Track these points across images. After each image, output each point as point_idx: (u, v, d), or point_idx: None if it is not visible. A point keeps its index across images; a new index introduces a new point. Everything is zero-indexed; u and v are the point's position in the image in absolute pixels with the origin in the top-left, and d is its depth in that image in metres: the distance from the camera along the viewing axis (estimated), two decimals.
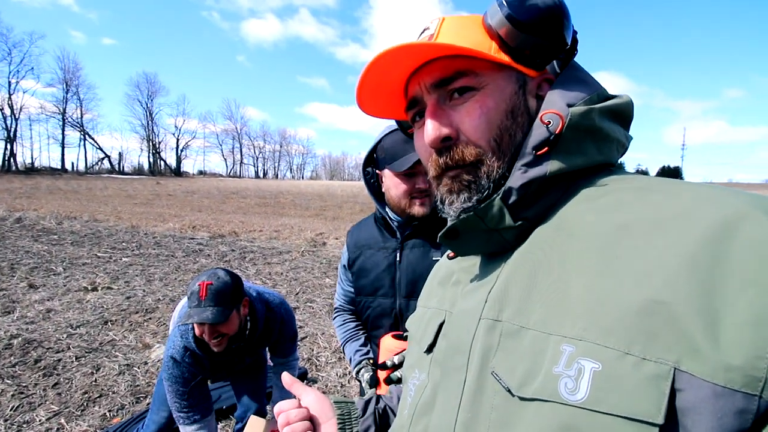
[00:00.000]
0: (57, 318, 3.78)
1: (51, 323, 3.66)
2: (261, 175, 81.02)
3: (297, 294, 5.04)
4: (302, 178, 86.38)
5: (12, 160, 44.62)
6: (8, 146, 44.62)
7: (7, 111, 45.80)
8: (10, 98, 45.95)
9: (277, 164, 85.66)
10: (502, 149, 0.46)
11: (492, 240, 0.47)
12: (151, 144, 62.37)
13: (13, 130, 46.03)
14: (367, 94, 0.52)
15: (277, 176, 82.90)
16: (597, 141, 0.45)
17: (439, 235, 0.49)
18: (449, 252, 0.56)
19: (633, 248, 0.35)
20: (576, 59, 0.51)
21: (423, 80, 0.49)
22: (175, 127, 66.46)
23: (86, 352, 3.16)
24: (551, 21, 0.45)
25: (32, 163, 50.25)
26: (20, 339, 3.27)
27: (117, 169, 59.69)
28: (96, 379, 2.78)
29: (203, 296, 1.34)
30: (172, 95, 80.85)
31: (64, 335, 3.41)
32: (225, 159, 75.74)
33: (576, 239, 0.40)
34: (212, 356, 1.52)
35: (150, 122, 62.11)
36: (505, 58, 0.46)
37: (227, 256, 6.80)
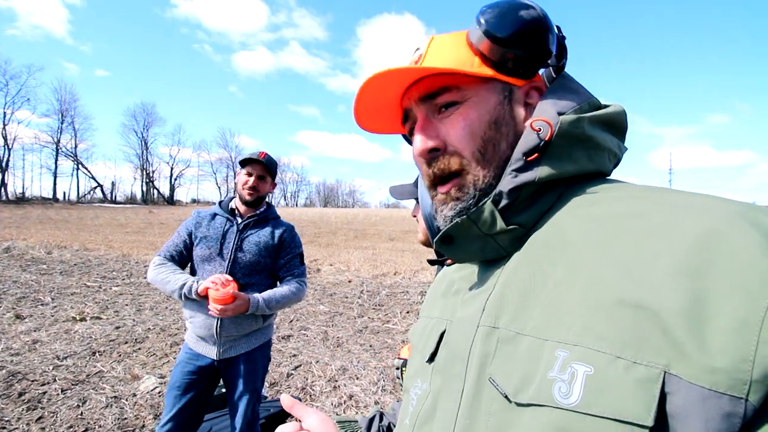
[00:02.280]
0: (43, 349, 3.68)
1: (37, 354, 3.55)
2: None
3: (291, 322, 4.96)
4: (296, 205, 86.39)
5: (3, 189, 44.25)
6: (0, 176, 44.37)
7: (0, 141, 45.86)
8: (4, 129, 46.13)
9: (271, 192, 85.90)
10: (487, 158, 0.48)
11: (488, 246, 0.48)
12: (144, 173, 62.42)
13: (5, 160, 45.97)
14: (365, 114, 0.55)
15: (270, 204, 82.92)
16: (587, 149, 0.46)
17: (435, 240, 0.50)
18: (448, 259, 0.58)
19: (625, 255, 0.36)
20: (568, 68, 0.52)
21: (413, 97, 0.52)
22: (170, 156, 66.76)
23: (72, 384, 3.06)
24: (530, 33, 0.47)
25: (23, 193, 49.80)
26: (4, 371, 3.16)
27: (109, 198, 59.33)
28: (82, 413, 2.68)
29: (262, 156, 1.92)
30: (168, 125, 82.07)
31: (50, 367, 3.31)
32: (219, 187, 75.82)
33: (570, 246, 0.41)
34: (229, 221, 1.90)
35: (144, 151, 62.43)
36: (488, 71, 0.48)
37: None
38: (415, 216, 1.39)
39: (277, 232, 1.93)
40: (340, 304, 5.86)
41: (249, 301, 1.72)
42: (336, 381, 3.39)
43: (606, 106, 0.50)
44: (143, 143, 62.04)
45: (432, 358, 0.52)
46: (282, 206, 75.90)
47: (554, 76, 0.51)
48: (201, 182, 75.54)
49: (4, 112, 45.94)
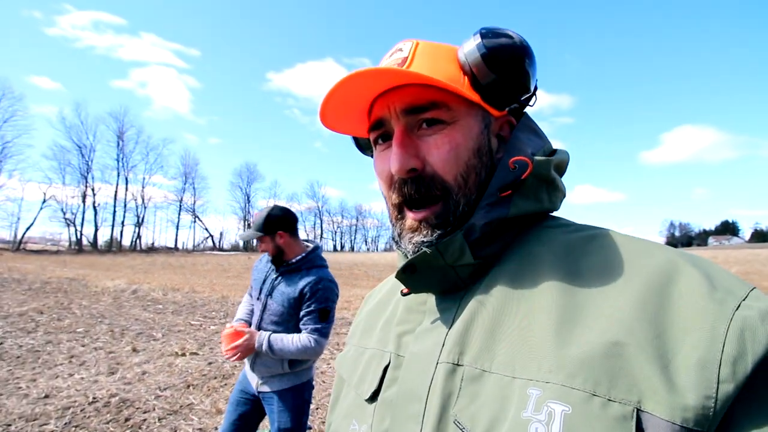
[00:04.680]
0: (149, 380, 4.15)
1: (144, 384, 4.02)
2: (338, 248, 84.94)
3: None
4: (377, 250, 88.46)
5: (138, 240, 53.08)
6: (136, 230, 53.52)
7: (139, 201, 55.77)
8: (143, 191, 56.23)
9: (353, 237, 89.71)
10: (469, 186, 0.46)
11: (447, 277, 0.46)
12: (246, 224, 70.10)
13: (142, 216, 55.49)
14: (331, 110, 0.50)
15: (352, 249, 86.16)
16: (549, 190, 0.48)
17: (398, 270, 0.48)
18: (403, 288, 0.53)
19: (590, 293, 0.37)
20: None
21: (393, 104, 0.47)
22: None
23: (168, 414, 3.37)
24: (520, 67, 0.47)
25: (152, 243, 59.08)
26: (117, 398, 3.62)
27: (218, 246, 67.39)
28: None
29: (252, 222, 1.98)
30: (266, 181, 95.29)
31: (152, 396, 3.71)
32: (308, 234, 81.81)
33: (537, 283, 0.41)
34: (270, 269, 2.01)
35: (247, 204, 70.63)
36: (475, 96, 0.46)
37: None
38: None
39: (301, 285, 1.87)
40: None
41: (255, 336, 1.80)
42: None
43: (556, 151, 0.51)
44: (246, 197, 70.40)
45: (374, 397, 0.47)
46: (363, 251, 78.22)
47: (511, 113, 0.51)
48: None
49: (143, 177, 56.24)
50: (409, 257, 0.47)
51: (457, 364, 0.40)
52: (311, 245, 2.03)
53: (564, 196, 0.52)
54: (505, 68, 0.46)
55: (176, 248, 57.21)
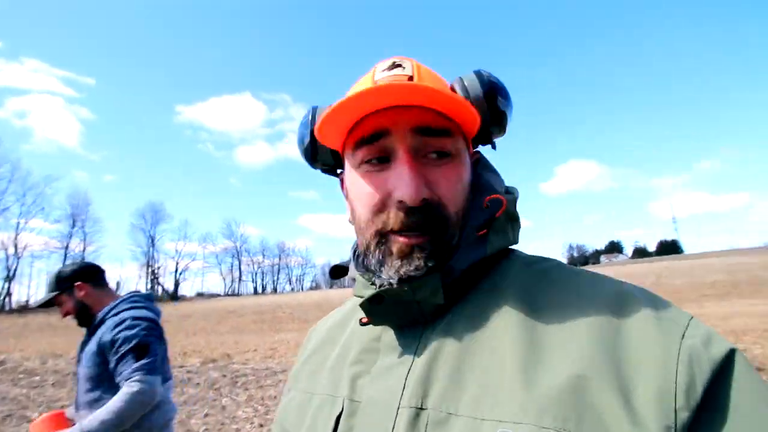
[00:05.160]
0: None
1: None
2: (260, 290, 80.00)
3: None
4: (302, 289, 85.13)
5: (8, 299, 44.17)
6: (6, 286, 44.64)
7: (11, 251, 46.94)
8: (16, 238, 47.53)
9: (276, 277, 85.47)
10: (461, 222, 0.45)
11: (410, 311, 0.44)
12: (149, 270, 62.74)
13: (14, 269, 46.57)
14: (328, 123, 0.44)
15: (275, 290, 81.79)
16: (514, 227, 0.50)
17: (364, 299, 0.44)
18: (363, 317, 0.48)
19: (551, 328, 0.38)
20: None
21: (403, 122, 0.43)
22: (176, 251, 67.64)
23: None
24: (506, 112, 0.50)
25: (27, 301, 49.47)
26: None
27: None
28: None
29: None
30: (175, 221, 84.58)
31: None
32: (224, 278, 75.93)
33: (501, 320, 0.41)
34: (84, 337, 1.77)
35: (151, 249, 63.44)
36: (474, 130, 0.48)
37: (218, 382, 6.34)
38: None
39: (100, 335, 1.63)
40: None
41: None
42: None
43: (508, 187, 0.54)
44: (151, 241, 63.32)
45: None
46: (287, 291, 74.82)
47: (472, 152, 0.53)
48: (206, 274, 75.50)
49: (18, 222, 47.72)
50: (377, 285, 0.45)
51: (421, 408, 0.38)
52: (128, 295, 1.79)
53: (520, 230, 0.53)
54: (499, 110, 0.49)
55: None
